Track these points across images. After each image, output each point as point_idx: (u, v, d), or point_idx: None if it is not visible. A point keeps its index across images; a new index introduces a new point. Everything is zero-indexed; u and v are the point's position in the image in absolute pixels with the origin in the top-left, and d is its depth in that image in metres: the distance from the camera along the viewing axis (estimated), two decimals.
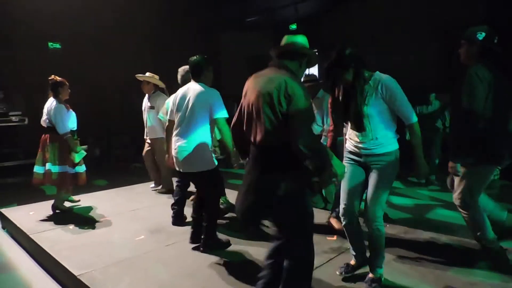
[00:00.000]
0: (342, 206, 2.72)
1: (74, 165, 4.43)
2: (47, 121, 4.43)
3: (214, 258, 3.17)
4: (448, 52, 7.69)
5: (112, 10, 9.16)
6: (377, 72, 2.58)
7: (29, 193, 5.46)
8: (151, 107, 5.14)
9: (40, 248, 3.54)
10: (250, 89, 2.20)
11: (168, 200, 4.69)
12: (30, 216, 4.40)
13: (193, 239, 3.44)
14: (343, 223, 2.75)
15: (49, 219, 4.32)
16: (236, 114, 2.40)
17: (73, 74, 7.40)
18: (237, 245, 3.42)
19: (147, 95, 5.24)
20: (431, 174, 6.10)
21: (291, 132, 1.98)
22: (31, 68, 8.19)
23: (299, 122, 1.98)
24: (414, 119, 2.51)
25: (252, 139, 2.19)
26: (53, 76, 4.49)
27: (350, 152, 2.73)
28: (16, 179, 7.10)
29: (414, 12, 7.78)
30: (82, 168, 4.53)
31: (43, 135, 4.48)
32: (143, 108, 5.34)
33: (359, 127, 2.57)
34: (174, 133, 3.29)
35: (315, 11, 9.75)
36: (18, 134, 7.84)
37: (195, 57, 3.28)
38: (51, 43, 8.90)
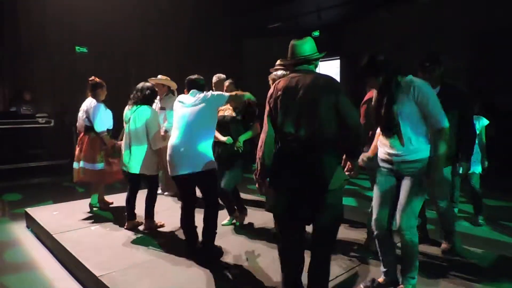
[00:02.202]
0: (373, 216, 2.66)
1: (111, 163, 4.55)
2: (86, 119, 4.55)
3: (233, 262, 3.15)
4: (479, 59, 7.54)
5: (138, 14, 9.37)
6: (410, 75, 2.53)
7: (53, 193, 5.57)
8: (162, 108, 5.07)
9: (62, 248, 3.59)
10: (291, 89, 2.28)
11: None
12: (54, 216, 4.49)
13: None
14: (374, 234, 2.68)
15: (72, 219, 4.38)
16: (266, 125, 2.41)
17: (99, 77, 7.52)
18: (257, 250, 3.39)
19: (158, 97, 5.18)
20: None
21: (351, 121, 2.23)
22: (59, 71, 8.44)
23: (355, 113, 2.30)
24: (446, 123, 2.40)
25: (297, 135, 2.25)
26: (93, 77, 4.66)
27: (382, 160, 2.67)
28: (40, 179, 7.28)
29: (442, 19, 7.64)
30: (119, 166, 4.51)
31: (81, 134, 4.64)
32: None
33: (389, 132, 2.52)
34: None
35: (339, 18, 9.71)
36: (44, 136, 8.04)
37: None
38: (78, 47, 9.13)
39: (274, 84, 2.41)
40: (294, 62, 2.37)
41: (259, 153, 2.40)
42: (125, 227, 4.05)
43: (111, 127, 4.68)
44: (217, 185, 3.52)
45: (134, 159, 3.89)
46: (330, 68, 9.68)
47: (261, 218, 4.24)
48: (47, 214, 4.53)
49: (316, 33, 10.13)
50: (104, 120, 4.51)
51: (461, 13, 7.62)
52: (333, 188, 2.23)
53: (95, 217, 4.50)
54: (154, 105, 5.27)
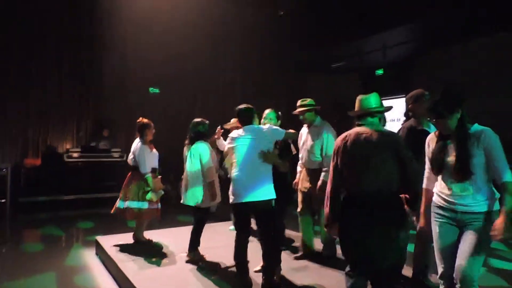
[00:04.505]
0: (440, 270, 2.52)
1: (152, 203, 4.67)
2: (133, 160, 4.78)
3: None
4: None
5: (204, 55, 9.97)
6: (476, 124, 2.45)
7: (122, 223, 5.88)
8: None
9: (124, 276, 3.76)
10: (358, 144, 2.44)
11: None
12: (120, 245, 4.72)
13: None
14: (441, 287, 2.54)
15: (136, 249, 4.57)
16: (332, 175, 2.55)
17: (169, 116, 8.08)
18: None
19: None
20: None
21: (411, 176, 2.38)
22: (133, 110, 9.18)
23: (416, 169, 2.41)
24: (509, 177, 2.30)
25: (364, 189, 2.40)
26: (140, 118, 4.86)
27: (441, 208, 2.51)
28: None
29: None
30: (158, 205, 4.75)
31: (129, 173, 4.86)
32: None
33: (464, 175, 2.37)
34: None
35: (405, 56, 9.53)
36: (117, 169, 8.65)
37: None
38: (152, 88, 9.89)
39: (342, 138, 2.55)
40: (359, 114, 2.55)
41: (326, 202, 2.54)
42: (186, 259, 4.16)
43: (156, 167, 4.79)
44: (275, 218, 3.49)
45: (192, 193, 4.11)
46: (395, 106, 9.40)
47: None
48: (114, 243, 4.78)
49: (380, 71, 10.00)
50: (148, 162, 4.62)
51: None
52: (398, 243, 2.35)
53: (156, 249, 4.66)
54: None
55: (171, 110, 9.69)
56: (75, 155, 8.53)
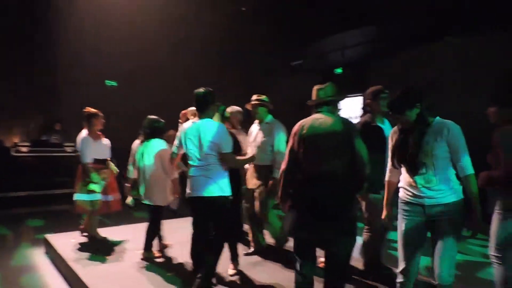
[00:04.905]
0: (401, 265, 2.57)
1: (94, 193, 4.52)
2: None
3: None
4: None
5: (165, 50, 9.79)
6: (438, 117, 2.52)
7: (74, 220, 5.66)
8: None
9: (75, 275, 3.62)
10: (313, 129, 2.57)
11: None
12: (71, 243, 4.54)
13: None
14: (400, 281, 2.59)
15: (88, 247, 4.42)
16: (288, 156, 2.67)
17: (128, 109, 7.87)
18: None
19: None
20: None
21: (360, 161, 2.48)
22: (89, 103, 8.83)
23: (365, 154, 2.51)
24: (472, 170, 2.40)
25: (319, 170, 2.51)
26: (87, 108, 4.73)
27: (408, 203, 2.56)
28: (63, 206, 7.44)
29: (475, 60, 7.42)
30: (99, 197, 4.59)
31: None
32: None
33: (415, 169, 2.46)
34: None
35: (362, 56, 9.81)
36: (70, 164, 8.30)
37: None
38: (108, 81, 9.57)
39: (299, 123, 2.67)
40: (316, 103, 2.71)
41: (280, 181, 2.68)
42: (141, 257, 4.06)
43: (102, 158, 4.69)
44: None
45: (149, 191, 3.99)
46: (353, 104, 9.69)
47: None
48: (65, 241, 4.59)
49: (339, 70, 10.25)
50: (87, 152, 4.51)
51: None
52: (347, 216, 2.47)
53: (110, 247, 4.52)
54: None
55: (129, 104, 9.44)
56: (23, 149, 8.07)
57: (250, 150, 4.22)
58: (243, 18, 9.45)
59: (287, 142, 4.04)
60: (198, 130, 3.16)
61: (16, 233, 5.88)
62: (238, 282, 3.51)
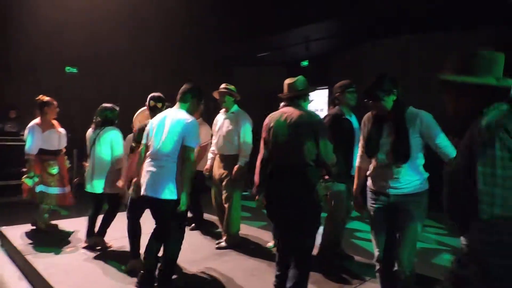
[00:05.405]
0: (376, 253, 2.63)
1: (36, 184, 4.40)
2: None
3: None
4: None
5: (127, 36, 9.50)
6: (411, 107, 2.52)
7: (28, 212, 5.43)
8: None
9: (33, 269, 3.49)
10: (280, 122, 2.73)
11: None
12: (28, 235, 4.38)
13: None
14: (376, 269, 2.67)
15: (46, 240, 4.26)
16: (262, 147, 2.85)
17: (89, 97, 7.61)
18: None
19: None
20: None
21: (322, 155, 2.65)
22: (47, 90, 8.45)
23: (330, 146, 2.68)
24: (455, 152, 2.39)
25: (284, 162, 2.70)
26: (40, 96, 4.56)
27: (376, 192, 2.60)
28: (20, 197, 7.09)
29: (431, 53, 7.67)
30: (54, 190, 4.49)
31: None
32: None
33: (402, 158, 2.43)
34: None
35: (326, 49, 9.95)
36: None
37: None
38: (68, 67, 9.18)
39: (269, 116, 2.85)
40: (287, 97, 2.84)
41: (256, 170, 2.85)
42: (83, 245, 4.03)
43: (56, 148, 4.59)
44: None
45: (98, 181, 3.96)
46: (319, 96, 9.85)
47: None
48: (21, 233, 4.42)
49: (305, 63, 10.36)
50: (32, 142, 4.41)
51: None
52: (310, 202, 2.63)
53: (67, 239, 4.39)
54: None
55: (90, 92, 9.11)
56: None
57: (214, 139, 4.23)
58: (211, 4, 9.28)
59: (252, 132, 4.11)
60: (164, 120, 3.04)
61: None
62: (202, 273, 3.51)
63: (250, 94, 11.14)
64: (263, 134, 2.83)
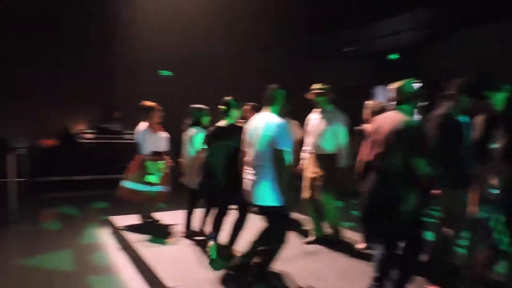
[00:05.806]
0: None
1: (152, 184, 4.72)
2: (136, 142, 4.86)
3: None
4: None
5: (216, 39, 9.91)
6: None
7: (133, 204, 5.98)
8: None
9: (138, 256, 3.88)
10: (380, 127, 2.74)
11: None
12: (134, 225, 4.83)
13: None
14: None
15: (150, 230, 4.65)
16: (369, 147, 2.85)
17: (182, 99, 8.06)
18: None
19: None
20: None
21: (416, 159, 2.56)
22: (146, 92, 9.23)
23: (423, 154, 2.59)
24: None
25: (381, 164, 2.69)
26: (143, 101, 4.88)
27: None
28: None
29: None
30: (157, 188, 4.79)
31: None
32: None
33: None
34: None
35: (417, 40, 9.37)
36: (129, 151, 8.73)
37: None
38: (163, 71, 9.89)
39: (376, 120, 2.87)
40: (397, 100, 2.77)
41: (360, 170, 2.92)
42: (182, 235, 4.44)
43: (162, 150, 4.88)
44: None
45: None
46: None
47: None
48: (130, 224, 4.89)
49: (394, 56, 9.89)
50: (147, 144, 4.70)
51: None
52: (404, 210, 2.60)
53: (168, 230, 4.75)
54: None
55: (184, 94, 9.72)
56: (88, 136, 8.63)
57: (308, 139, 4.27)
58: (295, 3, 9.27)
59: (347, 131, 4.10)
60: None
61: (83, 214, 6.33)
62: (292, 271, 3.55)
63: (334, 88, 10.90)
64: (372, 136, 2.80)
